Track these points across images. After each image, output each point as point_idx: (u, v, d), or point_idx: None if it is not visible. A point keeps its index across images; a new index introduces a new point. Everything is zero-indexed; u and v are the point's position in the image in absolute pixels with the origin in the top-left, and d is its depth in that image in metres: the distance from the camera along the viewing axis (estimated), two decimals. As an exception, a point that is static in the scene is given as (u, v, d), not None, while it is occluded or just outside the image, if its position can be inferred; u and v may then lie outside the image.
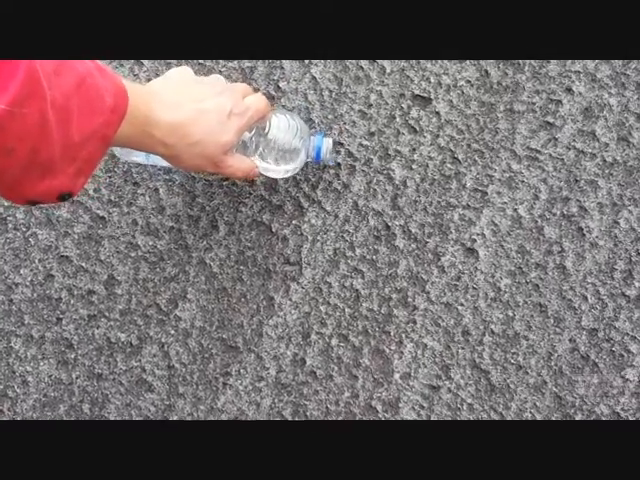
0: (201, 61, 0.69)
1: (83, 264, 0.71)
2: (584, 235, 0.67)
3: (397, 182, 0.68)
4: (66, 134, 0.43)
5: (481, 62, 0.68)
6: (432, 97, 0.68)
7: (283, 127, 0.61)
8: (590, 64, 0.67)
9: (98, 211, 0.71)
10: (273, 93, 0.69)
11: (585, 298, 0.67)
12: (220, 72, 0.69)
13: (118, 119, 0.47)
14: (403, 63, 0.68)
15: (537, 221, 0.67)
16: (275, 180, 0.69)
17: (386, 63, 0.68)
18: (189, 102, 0.54)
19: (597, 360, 0.66)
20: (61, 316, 0.71)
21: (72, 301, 0.71)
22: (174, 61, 0.69)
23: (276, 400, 0.69)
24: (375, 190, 0.69)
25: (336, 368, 0.68)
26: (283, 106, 0.69)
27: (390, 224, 0.68)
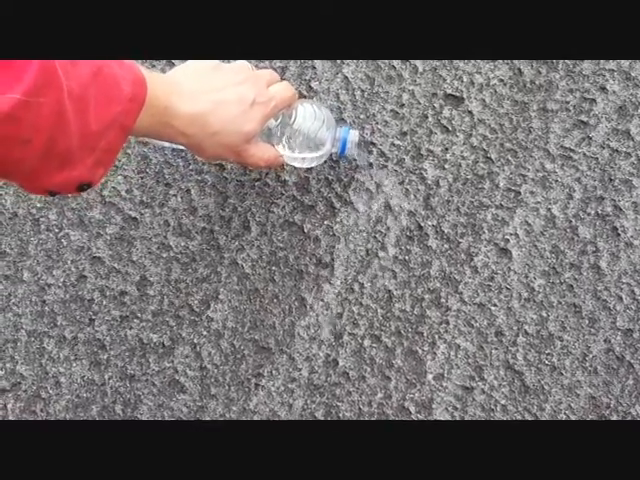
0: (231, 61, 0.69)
1: (115, 265, 0.71)
2: (619, 235, 0.66)
3: (429, 182, 0.68)
4: (84, 124, 0.43)
5: (514, 60, 0.67)
6: (465, 96, 0.68)
7: (309, 117, 0.60)
8: (624, 62, 0.66)
9: (130, 212, 0.71)
10: (305, 93, 0.69)
11: (620, 298, 0.66)
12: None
13: (137, 108, 0.46)
14: (435, 62, 0.68)
15: (571, 221, 0.67)
16: (307, 180, 0.69)
17: (418, 62, 0.68)
18: (209, 92, 0.54)
19: (632, 361, 0.66)
20: (93, 317, 0.71)
21: (104, 302, 0.71)
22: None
23: (308, 401, 0.69)
24: (407, 190, 0.68)
25: (369, 369, 0.68)
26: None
27: (423, 224, 0.68)
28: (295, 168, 0.69)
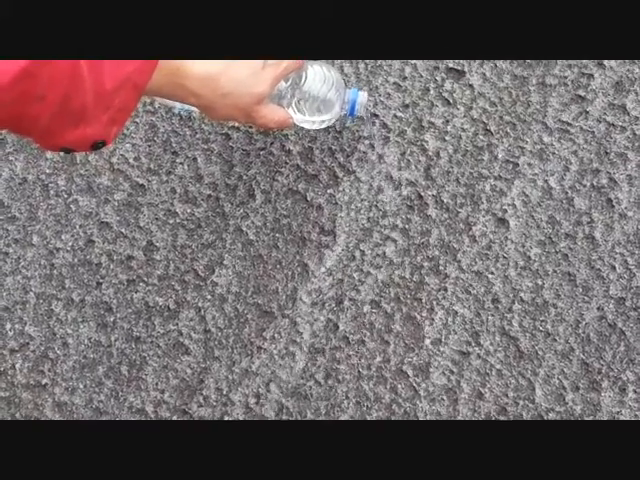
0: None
1: (123, 230, 0.73)
2: (613, 206, 0.68)
3: (430, 153, 0.70)
4: (98, 82, 0.45)
5: (514, 36, 0.69)
6: (466, 70, 0.70)
7: (319, 79, 0.61)
8: (622, 39, 0.68)
9: (138, 179, 0.73)
10: (310, 65, 0.71)
11: (613, 268, 0.68)
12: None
13: (150, 68, 0.48)
14: (438, 36, 0.70)
15: (567, 192, 0.69)
16: (311, 150, 0.71)
17: (421, 36, 0.70)
18: None
19: (624, 328, 0.68)
20: (101, 280, 0.73)
21: (112, 266, 0.73)
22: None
23: (309, 364, 0.71)
24: (409, 161, 0.70)
25: (368, 334, 0.70)
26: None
27: (423, 194, 0.70)
28: (299, 138, 0.71)
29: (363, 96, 0.64)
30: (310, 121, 0.63)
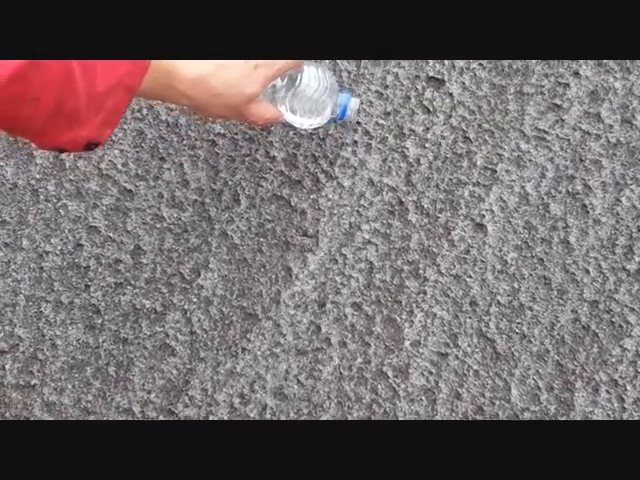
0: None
1: (111, 234, 0.75)
2: (588, 212, 0.70)
3: (411, 160, 0.72)
4: (91, 84, 0.46)
5: (493, 46, 0.71)
6: (446, 79, 0.72)
7: (314, 81, 0.62)
8: (597, 49, 0.70)
9: (126, 184, 0.75)
10: (294, 73, 0.72)
11: (587, 272, 0.70)
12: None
13: (141, 70, 0.49)
14: (418, 46, 0.71)
15: (543, 198, 0.71)
16: (295, 156, 0.73)
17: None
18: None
19: (597, 330, 0.70)
20: (89, 283, 0.75)
21: (100, 269, 0.75)
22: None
23: (292, 365, 0.73)
24: (390, 167, 0.72)
25: (350, 335, 0.72)
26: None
27: (403, 199, 0.72)
28: (284, 145, 0.73)
29: (355, 102, 0.65)
30: (300, 122, 0.64)
